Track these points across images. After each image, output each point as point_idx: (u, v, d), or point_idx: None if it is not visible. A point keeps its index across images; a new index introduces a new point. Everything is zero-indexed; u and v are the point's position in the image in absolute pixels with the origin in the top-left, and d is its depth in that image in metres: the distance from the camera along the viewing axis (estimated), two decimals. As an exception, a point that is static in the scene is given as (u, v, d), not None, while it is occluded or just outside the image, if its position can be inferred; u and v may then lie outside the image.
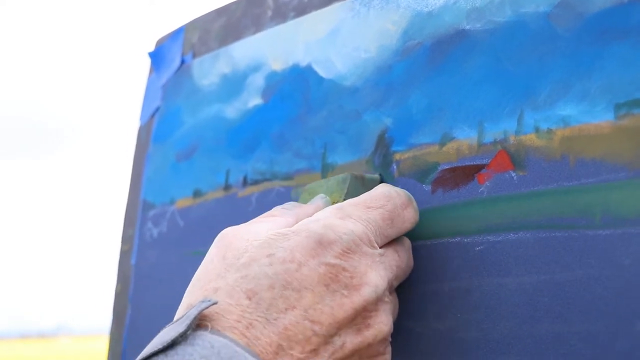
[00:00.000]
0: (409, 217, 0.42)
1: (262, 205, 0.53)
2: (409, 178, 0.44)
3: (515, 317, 0.38)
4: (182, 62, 0.65)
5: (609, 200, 0.36)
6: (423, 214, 0.43)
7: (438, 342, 0.41)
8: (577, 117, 0.38)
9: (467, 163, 0.42)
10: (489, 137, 0.41)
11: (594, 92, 0.37)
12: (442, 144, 0.43)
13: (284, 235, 0.39)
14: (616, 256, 0.35)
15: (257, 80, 0.56)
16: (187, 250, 0.58)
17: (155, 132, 0.65)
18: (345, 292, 0.37)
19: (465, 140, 0.42)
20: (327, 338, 0.36)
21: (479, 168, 0.41)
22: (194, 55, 0.64)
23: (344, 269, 0.38)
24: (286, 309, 0.36)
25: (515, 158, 0.40)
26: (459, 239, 0.41)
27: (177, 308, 0.55)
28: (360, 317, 0.38)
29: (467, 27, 0.44)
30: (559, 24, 0.40)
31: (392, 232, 0.41)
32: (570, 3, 0.39)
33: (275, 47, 0.55)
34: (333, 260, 0.38)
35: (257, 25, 0.59)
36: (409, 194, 0.43)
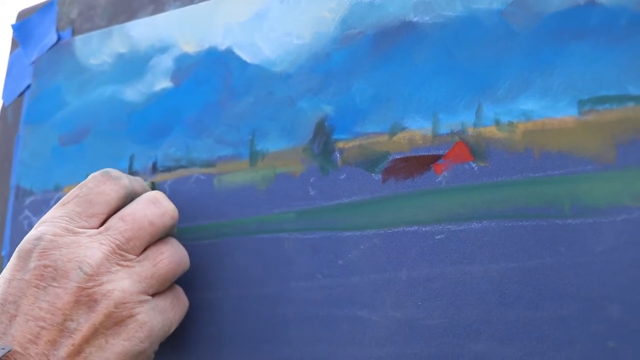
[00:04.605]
0: (110, 189, 0.45)
1: (178, 193, 0.50)
2: (355, 167, 0.44)
3: (483, 304, 0.39)
4: (59, 38, 0.60)
5: (578, 191, 0.38)
6: (373, 203, 0.43)
7: (397, 330, 0.41)
8: (539, 112, 0.40)
9: (421, 153, 0.42)
10: (444, 129, 0.42)
11: (556, 88, 0.39)
12: (393, 133, 0.43)
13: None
14: (587, 244, 0.37)
15: (165, 62, 0.53)
16: (80, 241, 0.54)
17: (26, 113, 0.60)
18: (55, 284, 0.41)
19: (418, 130, 0.43)
20: (59, 327, 0.40)
21: (435, 158, 0.42)
22: (74, 32, 0.60)
23: (45, 266, 0.41)
24: (10, 322, 0.40)
25: (475, 149, 0.41)
26: (416, 227, 0.42)
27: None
28: (83, 296, 0.41)
29: (415, 19, 0.44)
30: (514, 21, 0.41)
31: (99, 208, 0.44)
32: (525, 2, 0.41)
33: (186, 28, 0.53)
34: (34, 264, 0.42)
35: (156, 4, 0.56)
36: (106, 171, 0.46)
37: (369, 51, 0.45)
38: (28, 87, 0.61)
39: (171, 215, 0.46)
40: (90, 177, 0.46)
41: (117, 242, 0.43)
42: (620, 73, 0.38)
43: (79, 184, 0.46)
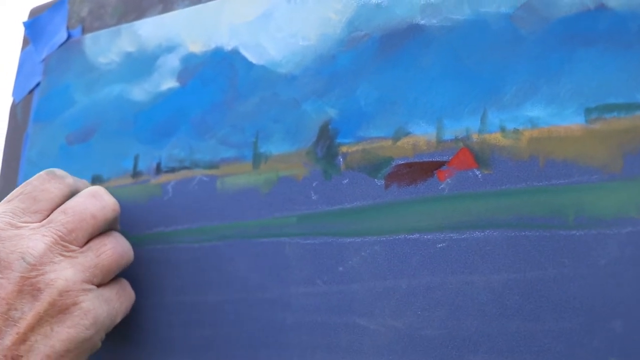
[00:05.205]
0: (54, 187, 0.46)
1: (181, 194, 0.50)
2: (358, 172, 0.44)
3: (483, 315, 0.38)
4: (69, 36, 0.60)
5: (583, 202, 0.37)
6: (375, 209, 0.43)
7: (396, 339, 0.41)
8: (545, 119, 0.39)
9: (425, 159, 0.42)
10: (449, 134, 0.41)
11: (563, 95, 0.38)
12: (397, 138, 0.43)
13: None
14: (591, 256, 0.36)
15: (171, 62, 0.53)
16: (84, 240, 0.54)
17: (36, 111, 0.60)
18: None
19: (422, 136, 0.42)
20: (4, 316, 0.41)
21: (438, 165, 0.41)
22: (84, 30, 0.60)
23: None
24: None
25: (479, 156, 0.40)
26: (417, 235, 0.41)
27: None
28: (27, 285, 0.42)
29: (422, 22, 0.43)
30: (522, 26, 0.40)
31: (43, 205, 0.45)
32: (533, 6, 0.40)
33: (193, 28, 0.52)
34: None
35: (165, 3, 0.55)
36: (51, 170, 0.47)
37: (375, 54, 0.44)
38: (38, 84, 0.61)
39: (112, 208, 0.47)
40: (35, 175, 0.47)
41: (60, 233, 0.44)
42: (629, 80, 0.37)
43: (24, 182, 0.47)
